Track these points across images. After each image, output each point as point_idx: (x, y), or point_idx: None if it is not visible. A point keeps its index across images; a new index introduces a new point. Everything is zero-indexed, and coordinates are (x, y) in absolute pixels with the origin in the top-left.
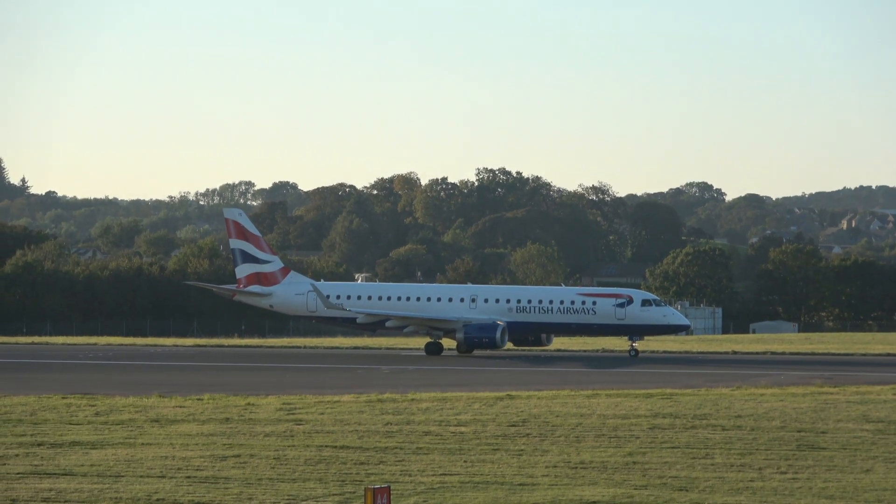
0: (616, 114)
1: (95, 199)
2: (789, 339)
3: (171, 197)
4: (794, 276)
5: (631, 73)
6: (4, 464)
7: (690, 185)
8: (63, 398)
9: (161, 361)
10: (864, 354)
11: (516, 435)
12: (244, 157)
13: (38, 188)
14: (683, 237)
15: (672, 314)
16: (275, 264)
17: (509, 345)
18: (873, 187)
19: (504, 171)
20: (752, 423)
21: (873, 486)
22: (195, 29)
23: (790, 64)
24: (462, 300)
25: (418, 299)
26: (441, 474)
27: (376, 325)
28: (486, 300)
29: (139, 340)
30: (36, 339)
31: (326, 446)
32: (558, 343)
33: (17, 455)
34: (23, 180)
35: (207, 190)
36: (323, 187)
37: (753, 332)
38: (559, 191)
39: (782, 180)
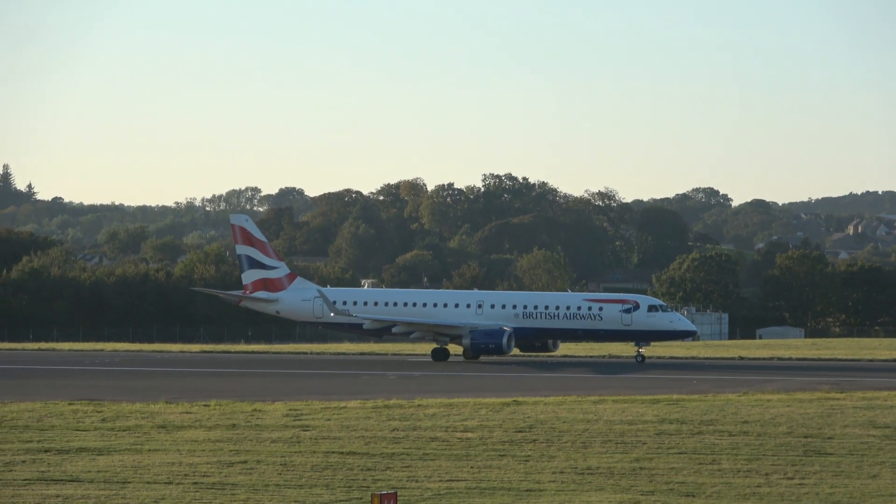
0: (622, 119)
1: (102, 205)
2: (796, 345)
3: (177, 203)
4: (801, 282)
5: (637, 78)
6: (11, 470)
7: (697, 190)
8: (70, 404)
9: (167, 367)
10: (870, 360)
11: (523, 441)
12: (250, 163)
13: (44, 194)
14: (690, 243)
15: (678, 320)
16: (281, 270)
17: (516, 350)
18: (879, 192)
19: (510, 177)
20: (758, 429)
21: (880, 491)
22: (202, 35)
23: (796, 70)
24: (468, 306)
25: (424, 305)
26: (448, 480)
27: (383, 331)
28: (492, 306)
29: (146, 346)
30: (42, 345)
31: (333, 452)
32: (565, 349)
33: (23, 461)
34: (29, 186)
35: (214, 196)
36: (329, 193)
37: (760, 337)
38: (565, 196)
39: (789, 186)
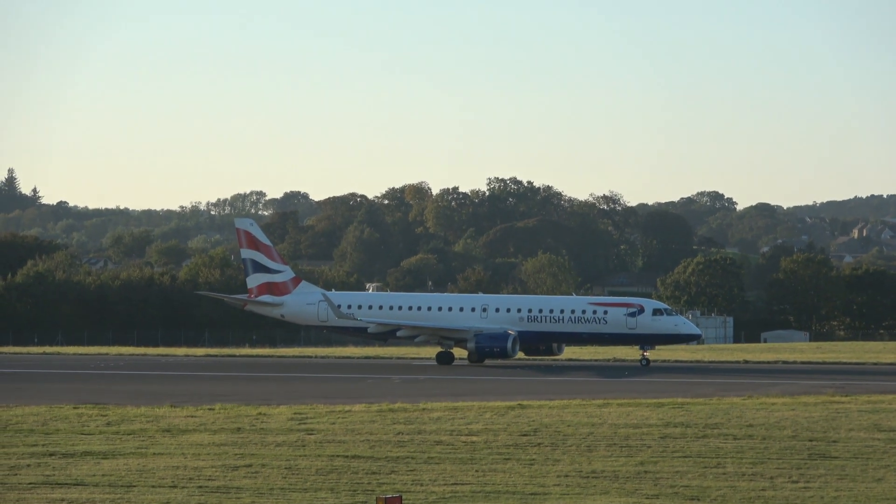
0: (627, 123)
1: (106, 209)
2: (800, 349)
3: (182, 207)
4: (806, 286)
5: (642, 82)
6: (16, 474)
7: (701, 194)
8: (74, 408)
9: (172, 371)
10: (875, 363)
11: (528, 444)
12: (255, 167)
13: (49, 198)
14: (694, 246)
15: (683, 323)
16: (286, 274)
17: (520, 354)
18: (884, 196)
19: (515, 181)
20: (763, 433)
21: (885, 494)
22: (207, 39)
23: (801, 73)
24: (473, 310)
25: (429, 309)
26: (452, 484)
27: (387, 335)
28: (497, 310)
29: (150, 350)
30: (47, 348)
31: (338, 456)
32: (569, 352)
33: (28, 465)
34: (34, 190)
35: (219, 200)
36: (334, 197)
37: (765, 341)
38: (570, 200)
39: (793, 189)
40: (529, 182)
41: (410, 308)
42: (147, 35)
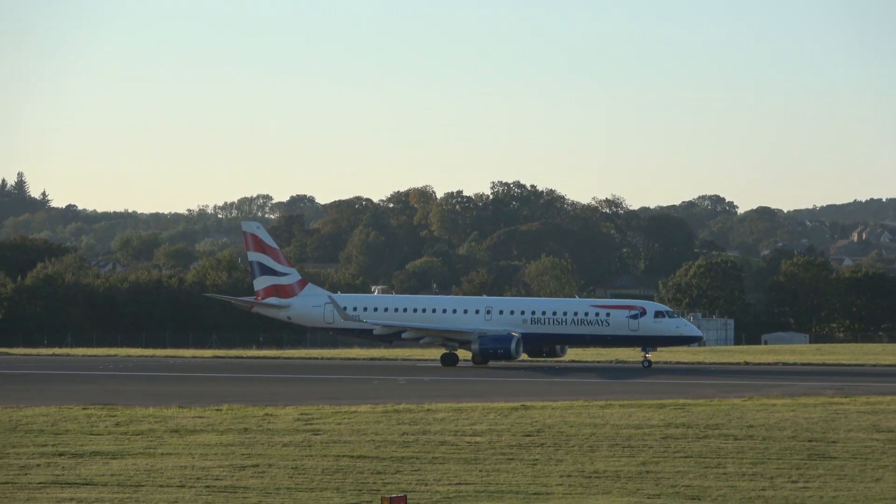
0: (629, 128)
1: (115, 213)
2: (800, 350)
3: (189, 210)
4: (806, 288)
5: (643, 86)
6: (26, 473)
7: (703, 198)
8: (84, 409)
9: (180, 372)
10: (874, 365)
11: (531, 445)
12: (262, 170)
13: (58, 202)
14: (696, 249)
15: (685, 325)
16: (292, 277)
17: (524, 356)
18: (884, 200)
19: (518, 185)
20: (763, 433)
21: (883, 494)
22: (215, 43)
23: (801, 77)
24: (477, 312)
25: (434, 311)
26: (457, 483)
27: (392, 337)
28: (500, 312)
29: (158, 352)
30: (57, 350)
31: (343, 456)
32: (572, 354)
33: (38, 465)
34: (44, 194)
35: (226, 203)
36: (340, 200)
37: (765, 343)
38: (573, 204)
39: (794, 193)
40: (533, 186)
41: (415, 310)
42: (156, 39)
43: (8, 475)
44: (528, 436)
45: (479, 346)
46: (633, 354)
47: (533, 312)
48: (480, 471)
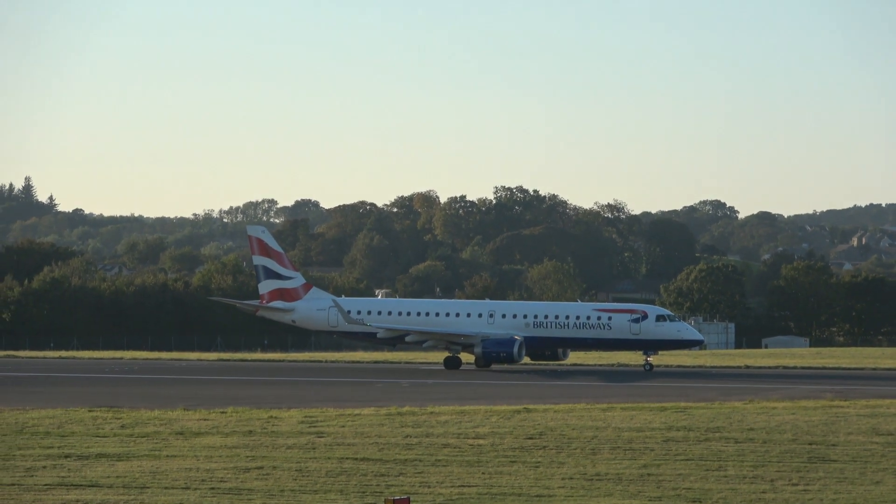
0: (631, 133)
1: (121, 217)
2: (801, 354)
3: (195, 214)
4: (806, 293)
5: (645, 92)
6: (32, 475)
7: (704, 202)
8: (89, 411)
9: (185, 375)
10: (874, 369)
11: (533, 447)
12: (267, 175)
13: (65, 206)
14: (697, 254)
15: (686, 329)
16: (297, 280)
17: (526, 359)
18: (883, 205)
19: (521, 190)
20: (764, 436)
21: (883, 497)
22: (220, 47)
23: (802, 82)
24: (480, 316)
25: (437, 315)
26: (459, 486)
27: (396, 340)
28: (503, 315)
29: (164, 355)
30: (63, 353)
31: (347, 458)
32: (574, 357)
33: (44, 467)
34: (50, 198)
35: (231, 207)
36: (344, 205)
37: (766, 346)
38: (575, 208)
39: (794, 198)
40: (535, 191)
41: (419, 314)
42: (162, 43)
43: (14, 477)
44: (531, 438)
45: (482, 349)
46: (634, 358)
47: (535, 316)
48: (483, 473)
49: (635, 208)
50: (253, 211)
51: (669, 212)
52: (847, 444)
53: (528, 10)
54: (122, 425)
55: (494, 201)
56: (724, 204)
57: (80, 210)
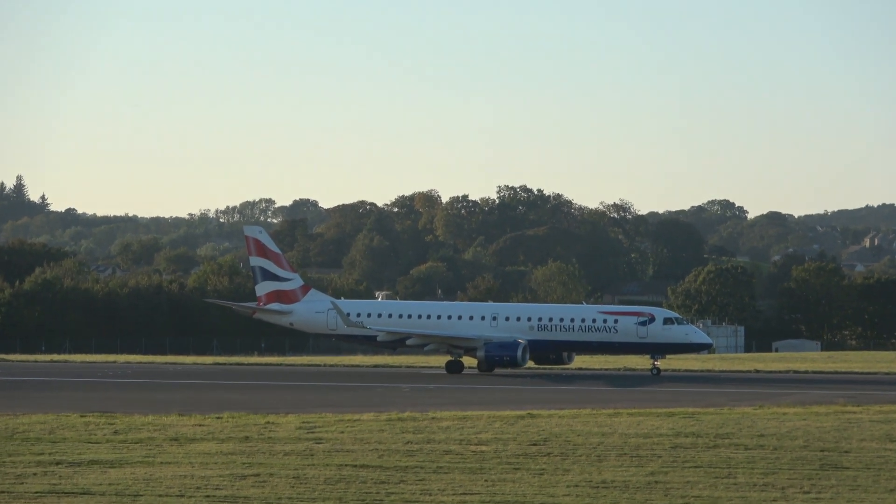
0: (637, 131)
1: (115, 217)
2: (812, 358)
3: (190, 214)
4: (817, 295)
5: (652, 90)
6: (23, 482)
7: (712, 202)
8: (81, 416)
9: (180, 379)
10: (887, 373)
11: (537, 454)
12: (265, 174)
13: (57, 205)
14: (705, 255)
15: (694, 332)
16: (295, 282)
17: (530, 363)
18: None
19: (525, 189)
20: (774, 443)
21: None
22: (215, 46)
23: (812, 82)
24: (483, 318)
25: (439, 317)
26: (462, 493)
27: (397, 344)
28: (507, 318)
29: (158, 358)
30: (55, 356)
31: (346, 465)
32: (580, 361)
33: (35, 474)
34: (42, 198)
35: (227, 207)
36: (343, 205)
37: (776, 350)
38: (580, 208)
39: (804, 198)
40: (539, 190)
41: (420, 316)
42: (156, 41)
43: (4, 484)
44: (535, 445)
45: (484, 353)
46: (641, 362)
47: (540, 319)
48: (486, 480)
49: (642, 208)
50: (250, 211)
51: (677, 212)
52: (860, 451)
53: (534, 5)
54: (115, 431)
55: (497, 201)
56: (734, 204)
57: (73, 210)
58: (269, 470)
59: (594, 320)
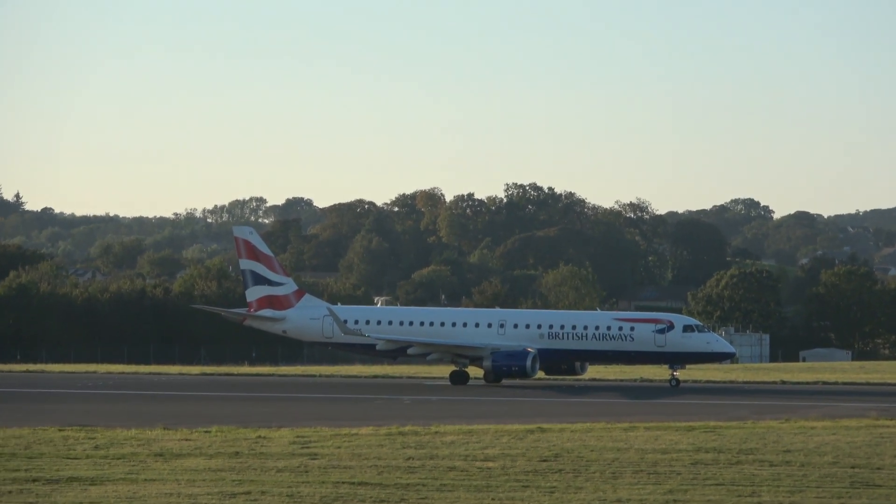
0: (655, 126)
1: (95, 217)
2: (842, 368)
3: (176, 214)
4: (848, 300)
5: (671, 84)
6: None
7: (735, 201)
8: (60, 430)
9: (165, 391)
10: None
11: (548, 471)
12: (255, 171)
13: (33, 204)
14: (728, 258)
15: (716, 341)
16: (288, 287)
17: (540, 373)
18: None
19: (535, 187)
20: (802, 459)
21: None
22: (201, 38)
23: (841, 75)
24: (490, 326)
25: (442, 325)
26: None
27: (397, 353)
28: (515, 326)
29: (142, 368)
30: (31, 366)
31: (343, 482)
32: (593, 372)
33: (10, 492)
34: (17, 196)
35: (216, 206)
36: (340, 204)
37: (803, 360)
38: (594, 208)
39: (834, 197)
40: (550, 188)
41: (422, 324)
42: (139, 37)
43: None
44: (545, 461)
45: (491, 362)
46: (659, 372)
47: (550, 326)
48: (493, 499)
49: (660, 208)
50: (240, 210)
51: (698, 211)
52: (893, 468)
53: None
54: (96, 446)
55: (505, 200)
56: (758, 203)
57: (50, 209)
58: (261, 488)
59: (609, 328)
